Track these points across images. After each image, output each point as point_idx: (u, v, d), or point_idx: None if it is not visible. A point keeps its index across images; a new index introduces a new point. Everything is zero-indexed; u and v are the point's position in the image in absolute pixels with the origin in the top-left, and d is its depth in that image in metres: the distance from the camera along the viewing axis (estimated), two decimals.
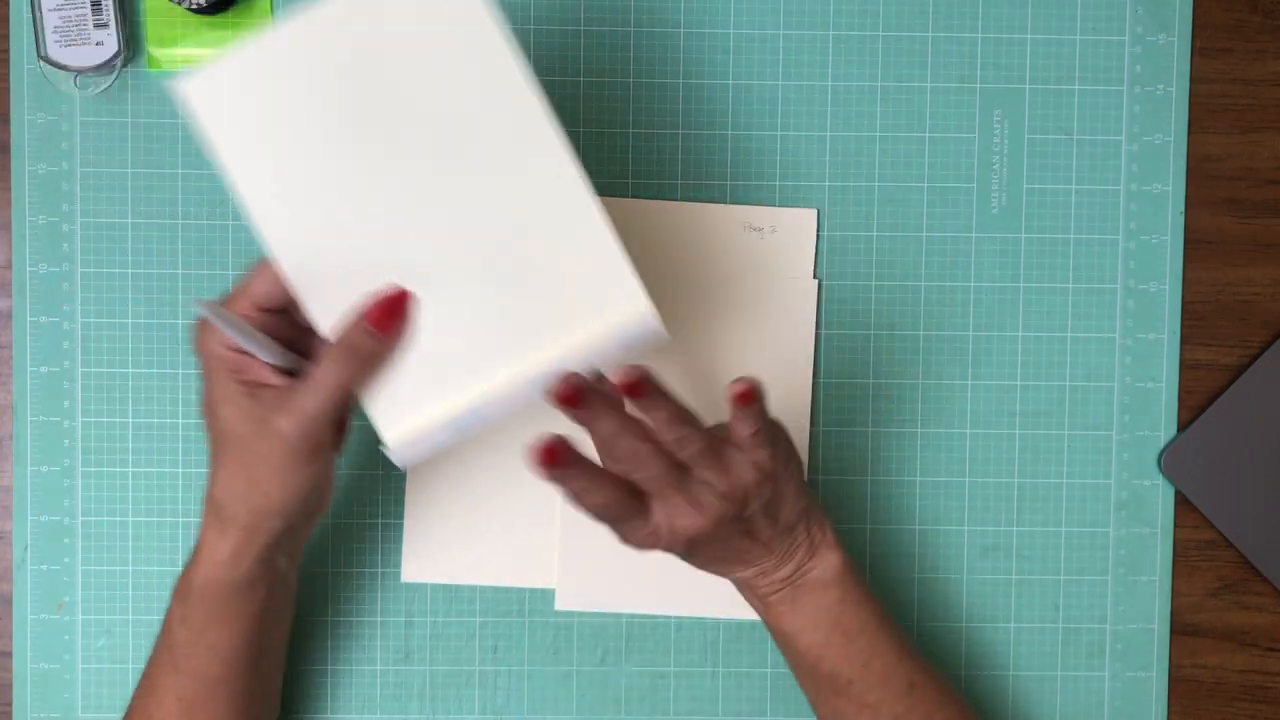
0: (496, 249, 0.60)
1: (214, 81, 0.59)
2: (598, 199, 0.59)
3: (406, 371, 0.60)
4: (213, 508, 0.61)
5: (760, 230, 0.72)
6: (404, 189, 0.59)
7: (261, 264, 0.60)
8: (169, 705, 0.62)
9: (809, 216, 0.72)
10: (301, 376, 0.59)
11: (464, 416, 0.60)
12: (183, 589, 0.62)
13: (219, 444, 0.60)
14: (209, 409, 0.60)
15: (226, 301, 0.60)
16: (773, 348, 0.72)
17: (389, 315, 0.58)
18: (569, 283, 0.60)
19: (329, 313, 0.59)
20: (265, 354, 0.59)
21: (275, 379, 0.59)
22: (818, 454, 0.73)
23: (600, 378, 0.59)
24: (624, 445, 0.58)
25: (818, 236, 0.73)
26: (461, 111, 0.59)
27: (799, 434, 0.73)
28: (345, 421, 0.62)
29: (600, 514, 0.60)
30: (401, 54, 0.59)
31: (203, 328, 0.60)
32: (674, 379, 0.71)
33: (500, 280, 0.60)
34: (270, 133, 0.59)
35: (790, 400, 0.72)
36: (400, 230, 0.59)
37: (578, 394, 0.57)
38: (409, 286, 0.59)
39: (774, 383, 0.72)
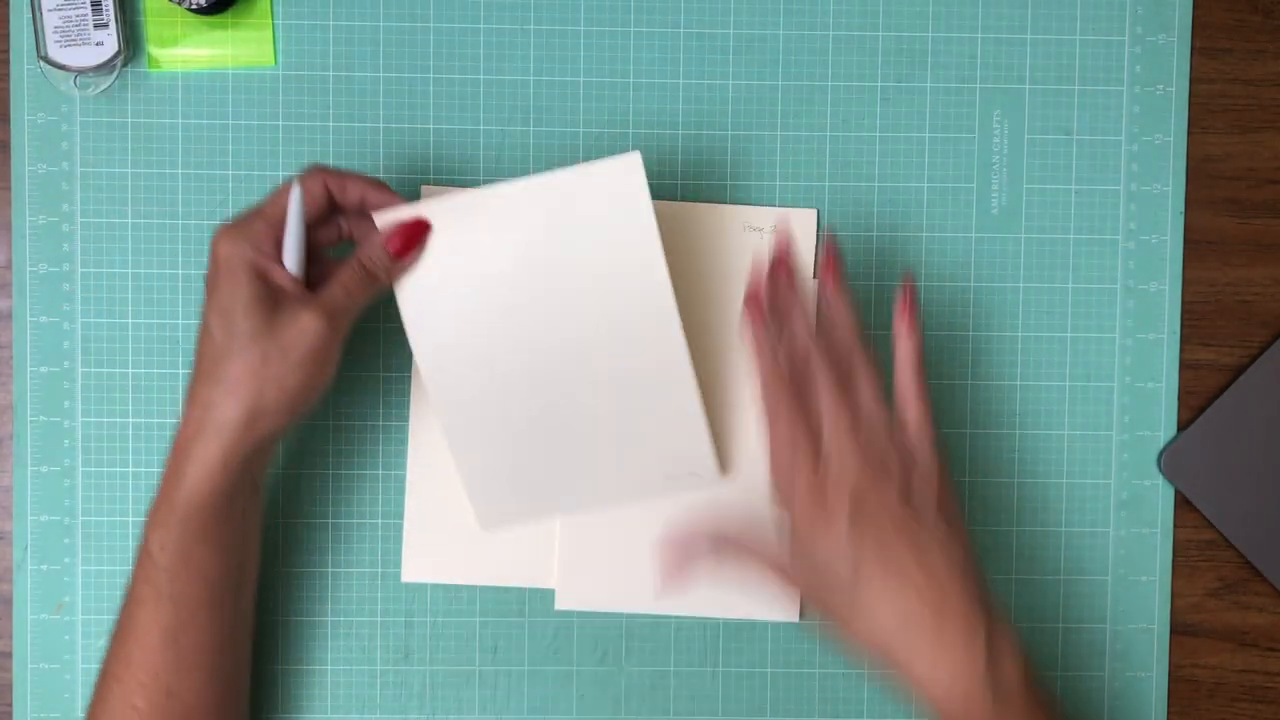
0: (607, 406, 0.69)
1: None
2: (697, 384, 0.69)
3: (505, 485, 0.70)
4: (199, 422, 0.61)
5: (760, 230, 0.72)
6: (548, 343, 0.67)
7: (305, 180, 0.64)
8: (152, 640, 0.62)
9: (809, 216, 0.72)
10: (323, 284, 0.63)
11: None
12: (161, 516, 0.62)
13: (226, 348, 0.61)
14: (221, 313, 0.61)
15: (270, 203, 0.64)
16: None
17: (407, 243, 0.64)
18: (660, 448, 0.70)
19: (460, 432, 0.69)
20: (294, 257, 0.63)
21: (292, 286, 0.62)
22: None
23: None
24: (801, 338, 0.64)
25: (818, 237, 0.73)
26: (608, 295, 0.67)
27: None
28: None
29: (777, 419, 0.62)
30: (569, 237, 0.66)
31: (229, 231, 0.62)
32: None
33: (603, 433, 0.69)
34: (444, 277, 0.66)
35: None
36: (535, 372, 0.68)
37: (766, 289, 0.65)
38: (525, 423, 0.69)
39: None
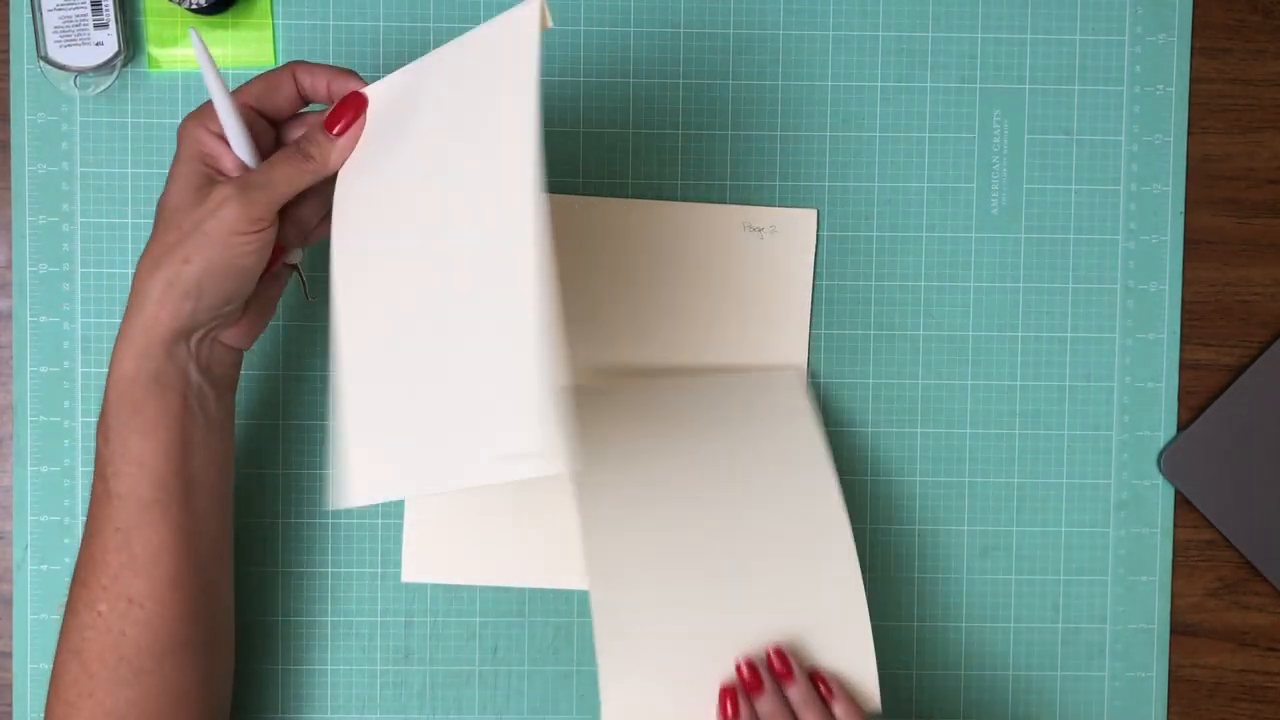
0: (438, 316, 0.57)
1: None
2: (545, 285, 0.53)
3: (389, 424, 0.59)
4: (129, 303, 0.60)
5: (760, 230, 0.72)
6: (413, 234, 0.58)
7: (273, 72, 0.62)
8: (108, 538, 0.61)
9: (809, 217, 0.73)
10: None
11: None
12: (102, 412, 0.61)
13: (158, 222, 0.60)
14: (166, 187, 0.61)
15: (240, 90, 0.62)
16: (771, 348, 0.72)
17: (343, 117, 0.61)
18: (487, 409, 0.54)
19: (353, 306, 0.60)
20: (240, 143, 0.60)
21: (232, 170, 0.61)
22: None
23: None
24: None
25: (818, 237, 0.73)
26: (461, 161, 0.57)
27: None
28: (284, 243, 0.62)
29: None
30: (459, 106, 0.58)
31: (191, 114, 0.61)
32: (674, 381, 0.72)
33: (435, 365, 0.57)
34: (374, 169, 0.60)
35: (788, 401, 0.72)
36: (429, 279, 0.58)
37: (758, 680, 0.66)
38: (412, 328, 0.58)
39: (772, 384, 0.72)
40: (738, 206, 0.73)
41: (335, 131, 0.61)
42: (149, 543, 0.61)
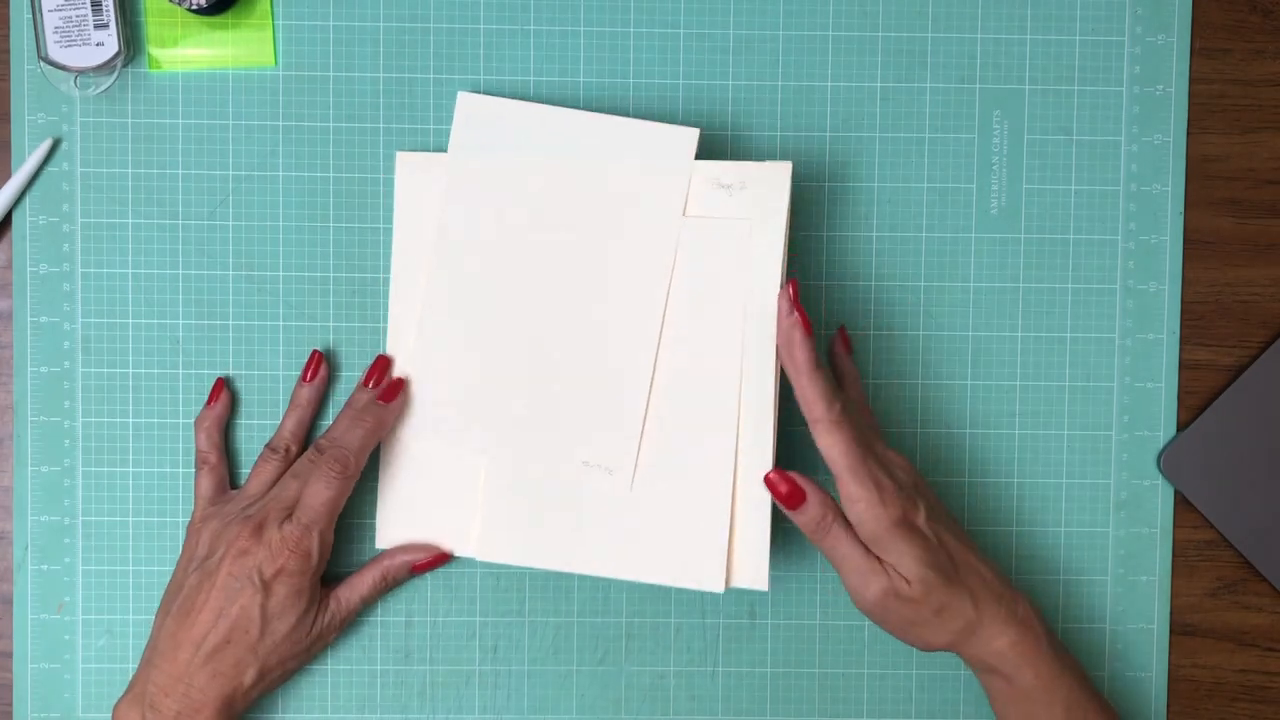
0: (565, 371, 0.70)
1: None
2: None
3: (443, 401, 0.71)
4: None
5: (729, 187, 0.69)
6: (544, 280, 0.70)
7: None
8: None
9: (783, 170, 0.68)
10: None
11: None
12: None
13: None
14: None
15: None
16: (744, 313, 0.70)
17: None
18: (590, 433, 0.70)
19: (435, 331, 0.70)
20: None
21: None
22: (818, 454, 0.73)
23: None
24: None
25: (820, 232, 0.73)
26: (612, 261, 0.70)
27: (765, 420, 0.73)
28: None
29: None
30: (602, 181, 0.69)
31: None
32: (646, 354, 0.72)
33: (551, 392, 0.70)
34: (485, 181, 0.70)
35: (760, 385, 0.72)
36: (519, 305, 0.70)
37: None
38: (488, 350, 0.70)
39: (747, 358, 0.70)
40: (705, 162, 0.69)
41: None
42: None
